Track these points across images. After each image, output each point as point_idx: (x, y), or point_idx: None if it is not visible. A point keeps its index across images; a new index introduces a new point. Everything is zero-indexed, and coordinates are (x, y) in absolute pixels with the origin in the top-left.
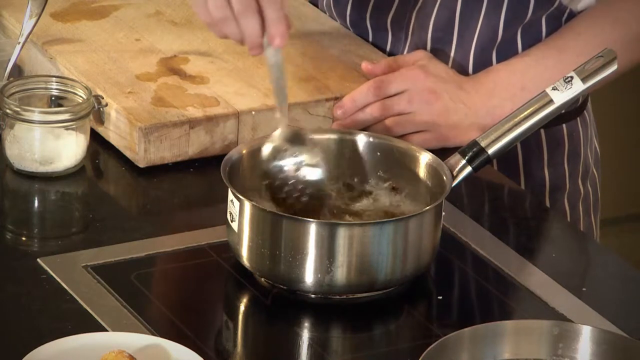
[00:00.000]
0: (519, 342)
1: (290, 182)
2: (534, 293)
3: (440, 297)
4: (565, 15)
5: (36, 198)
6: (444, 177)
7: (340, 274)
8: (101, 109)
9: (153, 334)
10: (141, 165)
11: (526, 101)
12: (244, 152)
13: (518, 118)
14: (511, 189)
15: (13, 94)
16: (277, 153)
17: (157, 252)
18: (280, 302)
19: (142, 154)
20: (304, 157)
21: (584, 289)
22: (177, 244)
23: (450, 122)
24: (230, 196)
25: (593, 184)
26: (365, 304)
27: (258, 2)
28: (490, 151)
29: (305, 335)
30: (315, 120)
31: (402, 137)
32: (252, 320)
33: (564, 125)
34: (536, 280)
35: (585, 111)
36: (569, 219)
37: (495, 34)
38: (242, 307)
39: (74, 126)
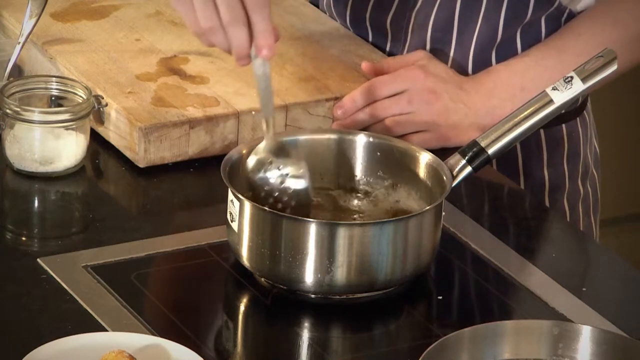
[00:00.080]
0: (519, 342)
1: (275, 195)
2: (534, 293)
3: (440, 297)
4: (565, 15)
5: (36, 198)
6: (444, 177)
7: (340, 274)
8: (101, 109)
9: (153, 334)
10: (141, 165)
11: (526, 101)
12: (244, 152)
13: (518, 118)
14: (511, 189)
15: (13, 94)
16: (261, 165)
17: (157, 252)
18: (280, 302)
19: (142, 154)
20: (289, 169)
21: (584, 289)
22: (177, 244)
23: (450, 122)
24: (230, 196)
25: (593, 184)
26: (365, 304)
27: (246, 13)
28: (490, 151)
29: (305, 335)
30: (315, 120)
31: (402, 137)
32: (252, 320)
33: (563, 126)
34: (536, 280)
35: (585, 111)
36: (568, 219)
37: (494, 34)
38: (242, 307)
39: (74, 126)
